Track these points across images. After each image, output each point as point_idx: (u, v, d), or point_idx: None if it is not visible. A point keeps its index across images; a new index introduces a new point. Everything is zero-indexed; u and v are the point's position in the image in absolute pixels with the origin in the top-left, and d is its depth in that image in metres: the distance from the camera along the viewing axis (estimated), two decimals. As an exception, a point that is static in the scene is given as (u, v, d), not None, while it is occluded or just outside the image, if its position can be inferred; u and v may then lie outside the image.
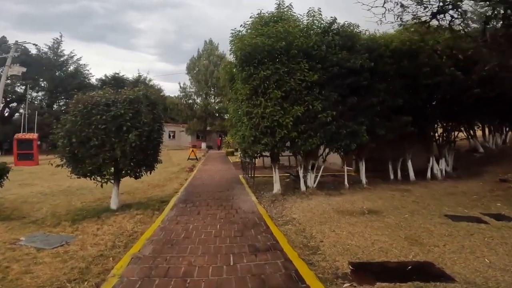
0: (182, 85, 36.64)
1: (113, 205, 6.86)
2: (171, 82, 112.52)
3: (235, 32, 7.96)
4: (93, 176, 6.44)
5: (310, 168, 8.22)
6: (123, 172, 6.69)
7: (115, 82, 33.79)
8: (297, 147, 7.51)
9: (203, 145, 34.80)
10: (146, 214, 6.33)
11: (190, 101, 36.44)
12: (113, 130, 6.13)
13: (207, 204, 7.02)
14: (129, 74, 68.58)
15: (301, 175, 8.12)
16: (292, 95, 7.20)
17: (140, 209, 6.71)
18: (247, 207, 6.61)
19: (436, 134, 10.29)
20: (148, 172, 7.26)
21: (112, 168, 6.55)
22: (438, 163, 9.79)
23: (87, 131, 6.05)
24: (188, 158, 19.68)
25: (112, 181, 6.71)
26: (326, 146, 8.13)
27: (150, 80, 42.37)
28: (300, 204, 6.72)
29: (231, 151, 26.38)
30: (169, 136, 39.29)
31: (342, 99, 7.49)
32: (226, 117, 38.12)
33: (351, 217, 5.49)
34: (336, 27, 7.91)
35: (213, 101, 35.98)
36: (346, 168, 8.97)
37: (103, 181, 6.47)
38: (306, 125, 7.27)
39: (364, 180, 8.91)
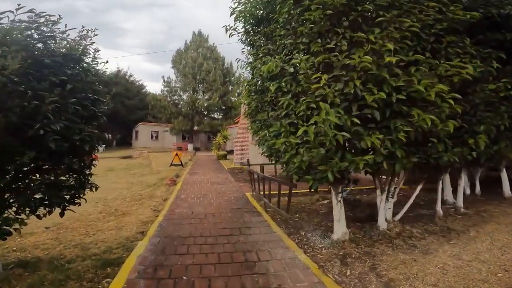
0: (166, 79, 32.15)
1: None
2: (158, 83, 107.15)
3: None
4: None
5: (392, 191, 4.49)
6: None
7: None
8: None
9: (190, 146, 30.47)
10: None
11: (175, 97, 31.97)
12: None
13: (207, 285, 2.91)
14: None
15: (381, 204, 4.32)
16: (420, 41, 3.37)
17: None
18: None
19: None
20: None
21: None
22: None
23: None
24: (171, 164, 15.52)
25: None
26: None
27: (131, 76, 37.67)
28: (419, 267, 3.11)
29: (222, 155, 22.45)
30: (152, 136, 35.01)
31: (500, 64, 3.81)
32: (215, 116, 33.87)
33: None
34: None
35: (201, 97, 31.57)
36: (444, 182, 5.29)
37: None
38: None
39: (461, 202, 5.64)
